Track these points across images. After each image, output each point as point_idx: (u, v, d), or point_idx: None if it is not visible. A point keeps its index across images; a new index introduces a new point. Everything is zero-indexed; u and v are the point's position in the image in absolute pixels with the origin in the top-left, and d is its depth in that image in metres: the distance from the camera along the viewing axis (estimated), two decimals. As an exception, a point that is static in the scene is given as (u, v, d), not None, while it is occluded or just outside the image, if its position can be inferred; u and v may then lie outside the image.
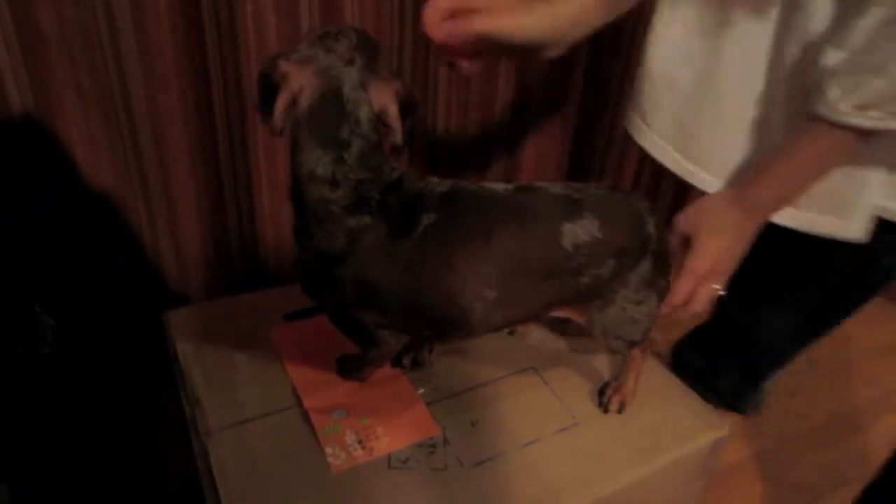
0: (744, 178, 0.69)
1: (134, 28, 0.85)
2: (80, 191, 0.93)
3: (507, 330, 0.86)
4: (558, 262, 0.63)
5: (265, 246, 1.09)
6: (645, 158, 1.40)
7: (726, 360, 1.12)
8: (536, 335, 0.87)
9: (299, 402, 0.73)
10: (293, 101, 0.60)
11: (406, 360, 0.79)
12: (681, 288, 0.71)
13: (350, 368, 0.77)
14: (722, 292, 0.72)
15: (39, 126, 0.87)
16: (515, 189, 0.65)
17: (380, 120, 0.61)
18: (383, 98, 0.61)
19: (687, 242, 0.71)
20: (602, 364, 0.83)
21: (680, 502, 0.85)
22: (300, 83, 0.60)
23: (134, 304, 1.04)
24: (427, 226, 0.61)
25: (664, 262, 0.69)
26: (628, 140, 1.34)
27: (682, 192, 1.49)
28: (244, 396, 0.74)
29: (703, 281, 0.71)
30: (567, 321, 0.73)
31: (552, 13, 0.66)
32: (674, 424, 0.76)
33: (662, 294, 0.70)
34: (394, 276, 0.62)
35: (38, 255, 0.93)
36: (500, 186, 0.66)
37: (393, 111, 0.61)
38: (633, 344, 0.73)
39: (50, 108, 0.86)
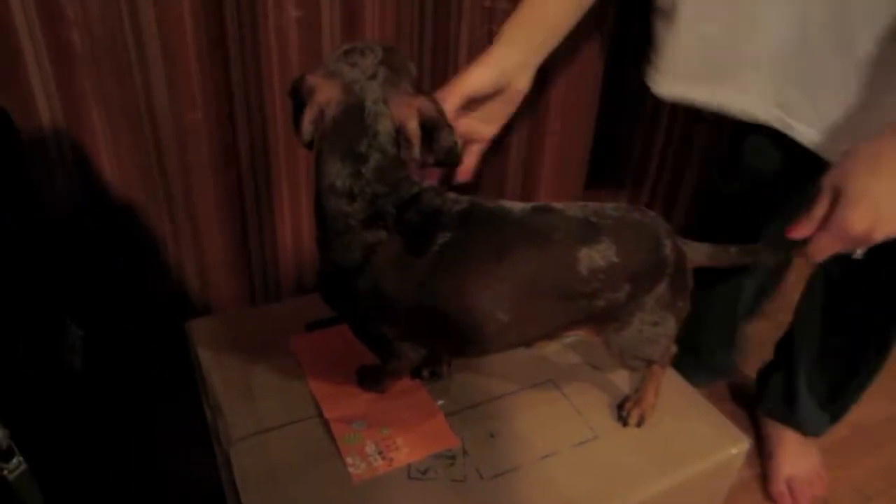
0: None
1: (161, 45, 0.87)
2: (107, 203, 0.95)
3: (525, 342, 0.87)
4: (573, 286, 0.63)
5: (286, 258, 1.11)
6: (663, 170, 1.41)
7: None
8: (555, 348, 0.87)
9: (320, 412, 0.74)
10: (320, 114, 0.62)
11: (425, 372, 0.80)
12: (823, 246, 0.62)
13: (370, 380, 0.77)
14: (861, 255, 0.64)
15: (68, 140, 0.89)
16: (533, 209, 0.65)
17: (400, 134, 0.62)
18: (403, 112, 0.62)
19: (836, 200, 0.61)
20: (621, 378, 0.83)
21: (700, 517, 0.84)
22: (327, 96, 0.61)
23: (157, 315, 1.06)
24: (442, 245, 0.61)
25: (681, 283, 0.69)
26: (645, 152, 1.36)
27: (696, 206, 1.48)
28: (265, 406, 0.75)
29: (852, 242, 0.61)
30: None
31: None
32: (694, 438, 0.76)
33: (680, 315, 0.70)
34: (408, 292, 0.63)
35: (64, 266, 0.95)
36: (517, 206, 0.66)
37: (412, 126, 0.62)
38: (651, 363, 0.73)
39: (78, 122, 0.88)
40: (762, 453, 1.15)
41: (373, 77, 0.62)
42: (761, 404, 1.16)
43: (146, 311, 1.05)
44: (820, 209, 0.62)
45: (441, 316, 0.63)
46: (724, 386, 1.30)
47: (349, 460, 0.69)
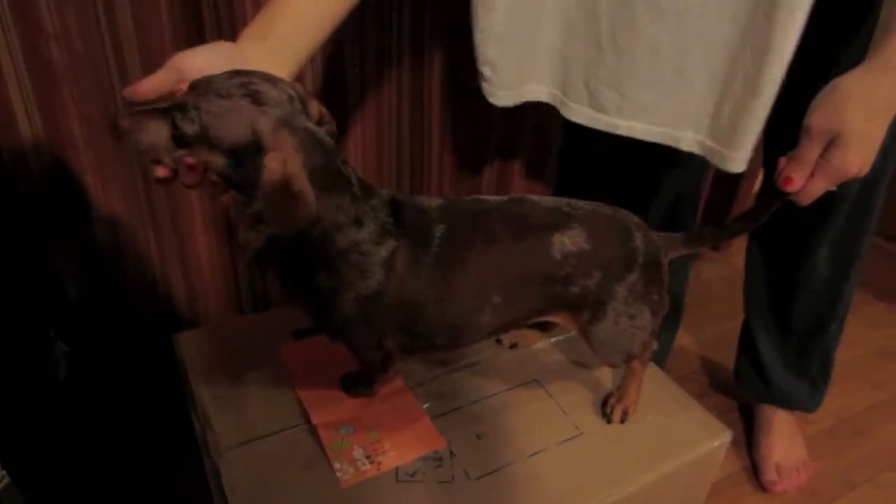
0: (879, 46, 0.60)
1: (140, 57, 0.88)
2: (91, 218, 0.95)
3: (508, 343, 0.88)
4: (549, 270, 0.66)
5: (271, 266, 1.11)
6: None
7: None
8: (539, 348, 0.88)
9: (307, 419, 0.75)
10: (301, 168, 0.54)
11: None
12: (816, 190, 0.62)
13: (357, 386, 0.78)
14: (835, 187, 0.64)
15: (49, 156, 0.89)
16: (509, 200, 0.68)
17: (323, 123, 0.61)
18: (316, 104, 0.61)
19: (832, 143, 0.60)
20: (605, 375, 0.84)
21: (686, 510, 0.86)
22: (292, 146, 0.54)
23: (144, 326, 1.06)
24: (440, 237, 0.63)
25: (655, 276, 0.70)
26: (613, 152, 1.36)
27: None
28: (253, 415, 0.75)
29: (842, 180, 0.61)
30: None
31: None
32: (676, 432, 0.77)
33: (656, 307, 0.71)
34: (425, 287, 0.63)
35: (50, 281, 0.95)
36: (493, 198, 0.68)
37: (324, 109, 0.62)
38: (630, 357, 0.74)
39: (59, 136, 0.88)
40: (752, 443, 1.17)
41: (291, 100, 0.57)
42: (747, 392, 1.18)
43: (134, 322, 1.05)
44: (812, 154, 0.62)
45: (448, 305, 0.65)
46: (707, 381, 1.32)
47: (337, 465, 0.69)
